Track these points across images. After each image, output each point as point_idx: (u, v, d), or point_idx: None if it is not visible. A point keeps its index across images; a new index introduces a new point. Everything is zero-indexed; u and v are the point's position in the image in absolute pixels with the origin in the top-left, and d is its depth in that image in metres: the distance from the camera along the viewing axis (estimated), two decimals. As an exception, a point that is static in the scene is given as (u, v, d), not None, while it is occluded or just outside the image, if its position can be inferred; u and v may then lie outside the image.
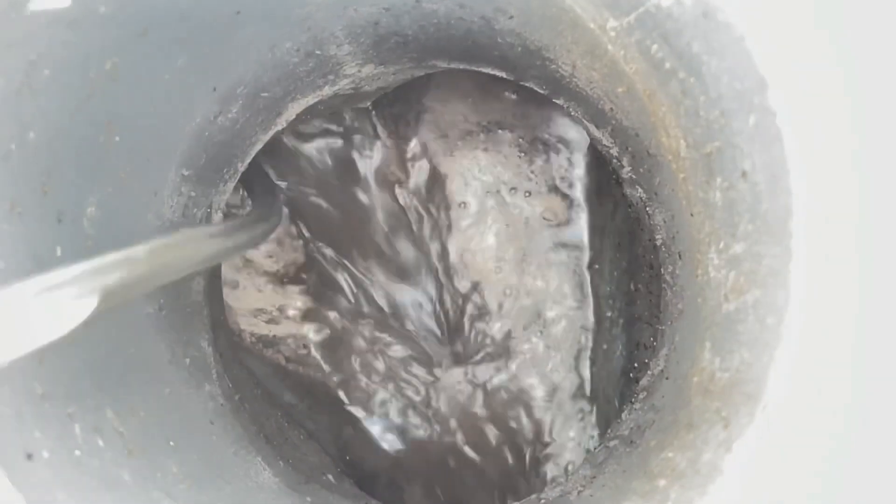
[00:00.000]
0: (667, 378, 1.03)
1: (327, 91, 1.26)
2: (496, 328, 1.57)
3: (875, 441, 0.64)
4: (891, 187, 0.63)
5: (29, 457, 0.71)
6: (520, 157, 1.53)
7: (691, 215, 0.90)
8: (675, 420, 0.89)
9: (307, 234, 1.54)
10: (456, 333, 1.58)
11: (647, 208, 1.18)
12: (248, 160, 1.26)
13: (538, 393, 1.57)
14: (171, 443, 0.92)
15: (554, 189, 1.53)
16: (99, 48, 0.79)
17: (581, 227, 1.54)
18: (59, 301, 0.58)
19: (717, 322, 0.82)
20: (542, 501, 1.20)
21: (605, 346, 1.53)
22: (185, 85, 0.95)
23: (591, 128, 1.22)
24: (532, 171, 1.53)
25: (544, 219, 1.53)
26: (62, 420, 0.76)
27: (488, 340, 1.57)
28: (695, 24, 0.70)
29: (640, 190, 1.18)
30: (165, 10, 0.82)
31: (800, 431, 0.65)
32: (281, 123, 1.26)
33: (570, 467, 1.54)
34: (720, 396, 0.77)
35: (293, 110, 1.25)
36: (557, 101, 1.24)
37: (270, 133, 1.26)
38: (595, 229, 1.53)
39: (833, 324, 0.64)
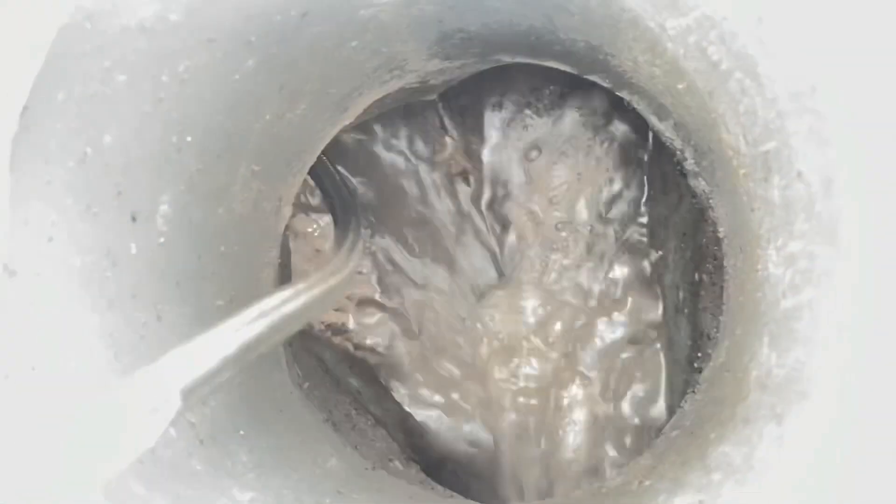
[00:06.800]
0: (727, 371, 1.04)
1: (394, 85, 1.28)
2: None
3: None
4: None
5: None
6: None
7: (751, 210, 0.91)
8: (733, 414, 0.90)
9: (371, 224, 1.57)
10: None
11: (711, 200, 1.18)
12: (317, 153, 1.29)
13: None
14: (241, 432, 0.95)
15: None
16: (171, 53, 0.81)
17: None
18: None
19: (774, 318, 0.83)
20: (604, 490, 1.21)
21: (670, 335, 1.53)
22: (254, 85, 0.97)
23: (654, 120, 1.22)
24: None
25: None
26: (137, 412, 0.79)
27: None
28: (749, 29, 0.70)
29: (703, 182, 1.18)
30: (234, 15, 0.84)
31: (847, 434, 0.66)
32: (349, 118, 1.28)
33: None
34: (775, 392, 0.78)
35: (360, 105, 1.27)
36: (621, 94, 1.25)
37: (338, 127, 1.28)
38: (660, 220, 1.53)
39: (883, 328, 0.65)
